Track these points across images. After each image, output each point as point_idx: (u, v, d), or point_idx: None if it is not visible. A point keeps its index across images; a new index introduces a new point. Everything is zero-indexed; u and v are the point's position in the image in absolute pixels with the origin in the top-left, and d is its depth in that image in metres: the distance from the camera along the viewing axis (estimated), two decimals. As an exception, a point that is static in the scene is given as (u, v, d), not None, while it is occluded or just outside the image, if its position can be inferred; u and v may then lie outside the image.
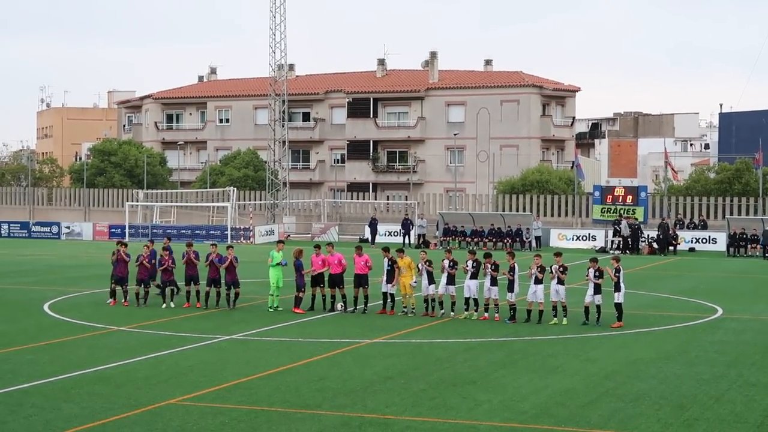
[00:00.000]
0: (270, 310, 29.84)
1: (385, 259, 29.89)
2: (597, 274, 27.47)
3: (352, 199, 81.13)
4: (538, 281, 27.90)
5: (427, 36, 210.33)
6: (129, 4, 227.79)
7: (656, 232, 58.48)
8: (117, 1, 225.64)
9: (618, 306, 27.36)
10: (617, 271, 27.27)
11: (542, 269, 27.86)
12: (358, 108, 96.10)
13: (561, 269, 27.63)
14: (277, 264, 30.02)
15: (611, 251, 57.87)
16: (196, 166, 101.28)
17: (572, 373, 20.84)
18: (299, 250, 30.32)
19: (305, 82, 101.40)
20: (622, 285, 27.43)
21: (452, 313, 29.11)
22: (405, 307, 29.66)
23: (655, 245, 58.01)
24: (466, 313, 28.80)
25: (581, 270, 28.98)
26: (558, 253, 28.73)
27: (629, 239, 58.28)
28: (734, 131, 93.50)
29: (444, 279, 29.22)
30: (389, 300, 29.81)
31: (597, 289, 27.38)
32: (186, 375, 20.47)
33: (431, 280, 29.25)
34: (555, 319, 27.70)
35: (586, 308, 27.63)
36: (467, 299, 28.82)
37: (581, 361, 22.26)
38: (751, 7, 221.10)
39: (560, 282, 27.64)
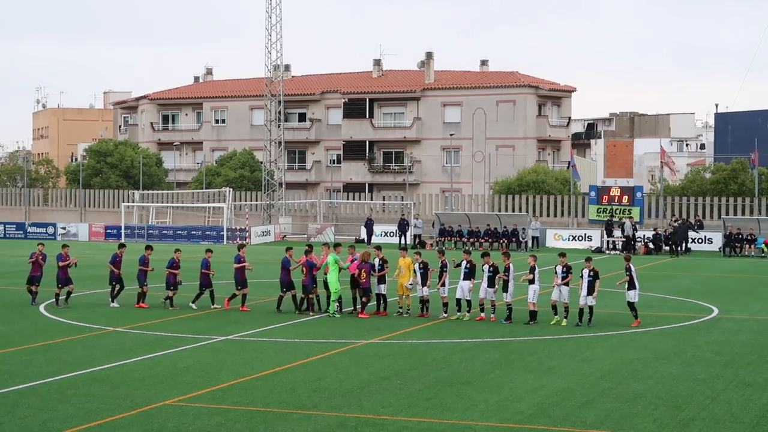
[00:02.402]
0: (336, 315, 29.26)
1: (377, 258, 29.86)
2: (591, 274, 27.46)
3: (348, 199, 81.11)
4: (531, 282, 27.92)
5: (422, 36, 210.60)
6: (124, 5, 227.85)
7: (667, 232, 58.48)
8: (112, 2, 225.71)
9: (631, 305, 27.39)
10: (628, 270, 27.36)
11: (532, 270, 27.83)
12: (354, 108, 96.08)
13: (565, 269, 27.63)
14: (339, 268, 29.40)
15: (607, 252, 57.96)
16: (192, 167, 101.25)
17: (568, 373, 20.86)
18: (368, 253, 29.68)
19: (301, 83, 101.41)
20: (636, 283, 27.46)
21: (444, 315, 29.06)
22: (401, 308, 29.64)
23: (650, 245, 58.04)
24: (458, 314, 28.79)
25: (577, 270, 28.96)
26: (562, 254, 28.69)
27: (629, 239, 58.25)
28: (730, 131, 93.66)
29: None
30: (382, 300, 29.78)
31: (590, 290, 27.38)
32: (182, 375, 20.47)
33: (424, 282, 29.25)
34: (556, 317, 27.68)
35: (581, 310, 27.64)
36: (458, 300, 28.81)
37: (577, 361, 22.28)
38: (748, 7, 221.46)
39: (564, 283, 27.64)
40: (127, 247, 33.22)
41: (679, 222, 59.28)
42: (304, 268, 29.63)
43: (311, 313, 29.45)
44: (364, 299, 29.30)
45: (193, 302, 30.77)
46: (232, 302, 30.78)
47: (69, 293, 31.53)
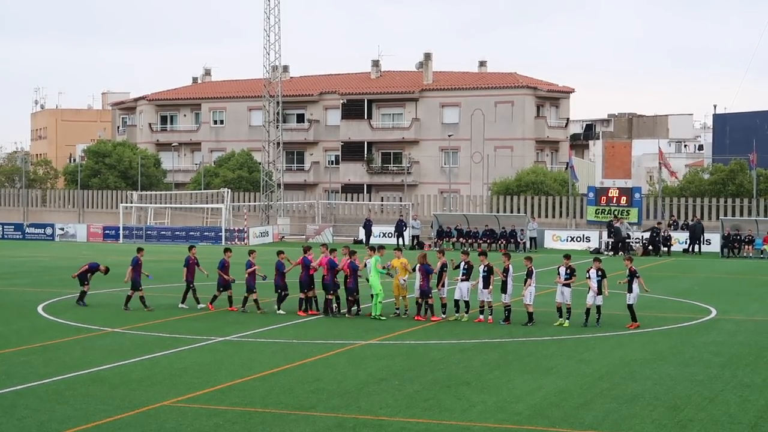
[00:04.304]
0: (383, 318, 28.77)
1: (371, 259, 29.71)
2: (600, 274, 27.47)
3: (346, 200, 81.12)
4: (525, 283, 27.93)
5: (421, 37, 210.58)
6: (122, 6, 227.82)
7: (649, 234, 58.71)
8: (110, 3, 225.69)
9: (629, 307, 27.37)
10: (632, 273, 27.33)
11: (530, 273, 27.83)
12: (353, 109, 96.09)
13: (568, 271, 27.60)
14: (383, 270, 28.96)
15: (606, 252, 57.99)
16: (191, 168, 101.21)
17: (566, 374, 20.86)
18: (423, 255, 29.22)
19: (299, 84, 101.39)
20: (634, 287, 27.38)
21: (442, 315, 29.04)
22: (397, 308, 29.59)
23: (649, 246, 58.10)
24: (456, 315, 28.76)
25: (580, 271, 28.98)
26: (567, 256, 28.67)
27: (626, 240, 58.42)
28: (728, 132, 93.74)
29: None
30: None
31: (599, 290, 27.38)
32: (180, 376, 20.46)
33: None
34: (560, 320, 27.66)
35: (588, 309, 27.61)
36: (457, 301, 28.77)
37: (575, 362, 22.28)
38: (747, 8, 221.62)
39: (566, 284, 27.60)
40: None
41: (694, 221, 59.49)
42: (325, 268, 29.26)
43: (331, 315, 29.21)
44: (422, 301, 28.84)
45: (278, 306, 30.11)
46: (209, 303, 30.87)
47: (142, 297, 30.78)
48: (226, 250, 31.67)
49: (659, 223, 61.04)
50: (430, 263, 29.02)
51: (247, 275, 30.37)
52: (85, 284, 31.84)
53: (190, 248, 32.30)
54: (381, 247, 30.75)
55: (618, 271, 36.30)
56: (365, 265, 29.52)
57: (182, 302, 31.12)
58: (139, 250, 31.90)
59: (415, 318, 28.75)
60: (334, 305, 29.59)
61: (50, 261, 50.95)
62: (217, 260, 31.28)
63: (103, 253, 55.32)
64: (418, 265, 28.90)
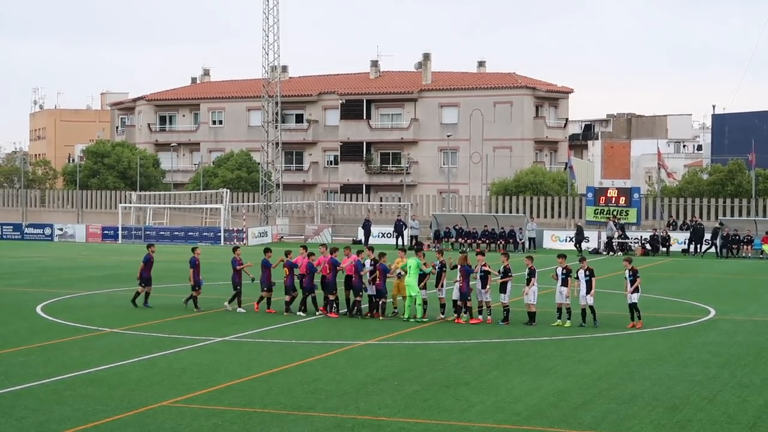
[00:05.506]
0: (411, 320, 28.35)
1: (368, 259, 29.66)
2: (587, 273, 27.47)
3: (345, 200, 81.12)
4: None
5: (420, 37, 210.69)
6: (121, 6, 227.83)
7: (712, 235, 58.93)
8: (110, 3, 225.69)
9: (633, 306, 27.36)
10: (633, 273, 27.32)
11: (532, 272, 27.84)
12: (352, 109, 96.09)
13: (565, 271, 27.58)
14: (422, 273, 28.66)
15: (604, 252, 58.02)
16: (190, 168, 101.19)
17: (565, 374, 20.86)
18: (464, 257, 28.60)
19: (298, 84, 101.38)
20: (638, 287, 27.36)
21: (441, 315, 28.99)
22: (396, 309, 29.53)
23: (648, 246, 58.14)
24: (455, 315, 28.70)
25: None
26: (562, 255, 28.64)
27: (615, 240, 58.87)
28: (727, 132, 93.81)
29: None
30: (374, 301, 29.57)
31: (588, 290, 27.38)
32: (179, 377, 20.45)
33: (419, 283, 29.09)
34: (558, 321, 27.65)
35: (583, 310, 27.60)
36: (455, 301, 28.69)
37: (574, 362, 22.28)
38: (746, 8, 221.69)
39: (564, 284, 27.58)
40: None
41: (693, 222, 59.75)
42: (378, 272, 28.95)
43: (382, 317, 28.93)
44: (460, 303, 28.41)
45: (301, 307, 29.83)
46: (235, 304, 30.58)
47: (192, 296, 30.66)
48: (266, 250, 31.21)
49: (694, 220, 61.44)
50: (470, 264, 28.43)
51: (285, 277, 30.14)
52: (147, 285, 31.29)
53: (235, 249, 31.74)
54: (419, 249, 30.48)
55: (616, 271, 36.34)
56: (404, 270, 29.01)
57: (239, 306, 30.45)
58: (194, 249, 31.55)
59: (455, 321, 28.30)
60: (332, 305, 29.67)
61: (49, 261, 50.92)
62: (224, 261, 31.03)
63: (102, 254, 55.37)
64: (459, 266, 28.51)
